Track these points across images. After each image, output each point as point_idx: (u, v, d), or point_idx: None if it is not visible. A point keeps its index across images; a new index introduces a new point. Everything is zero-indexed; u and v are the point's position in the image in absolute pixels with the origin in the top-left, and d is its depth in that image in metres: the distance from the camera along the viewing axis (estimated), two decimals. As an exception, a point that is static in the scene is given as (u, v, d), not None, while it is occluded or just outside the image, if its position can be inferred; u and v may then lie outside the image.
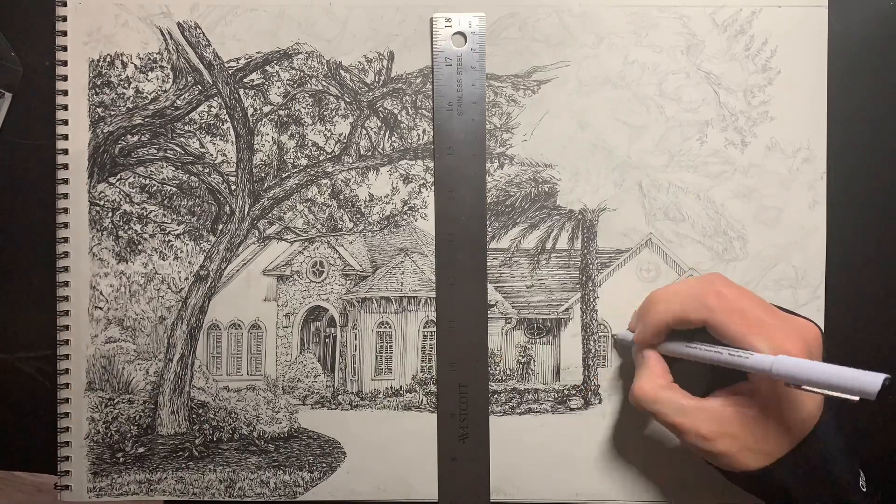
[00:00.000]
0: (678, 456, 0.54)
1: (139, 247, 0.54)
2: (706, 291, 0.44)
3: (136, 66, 0.54)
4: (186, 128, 0.54)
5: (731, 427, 0.43)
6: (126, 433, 0.54)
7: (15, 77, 0.54)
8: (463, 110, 0.53)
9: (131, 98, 0.54)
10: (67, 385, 0.54)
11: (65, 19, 0.53)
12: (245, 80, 0.54)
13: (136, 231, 0.54)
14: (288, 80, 0.54)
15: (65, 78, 0.53)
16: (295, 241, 0.55)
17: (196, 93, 0.54)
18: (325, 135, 0.54)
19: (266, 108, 0.54)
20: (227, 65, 0.54)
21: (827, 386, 0.38)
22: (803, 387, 0.39)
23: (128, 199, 0.54)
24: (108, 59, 0.54)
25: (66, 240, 0.54)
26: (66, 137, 0.54)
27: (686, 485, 0.54)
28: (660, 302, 0.46)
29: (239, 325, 0.55)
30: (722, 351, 0.43)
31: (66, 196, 0.54)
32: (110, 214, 0.54)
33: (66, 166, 0.54)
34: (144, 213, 0.54)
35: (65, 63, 0.53)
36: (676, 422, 0.44)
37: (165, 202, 0.54)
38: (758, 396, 0.43)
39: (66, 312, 0.54)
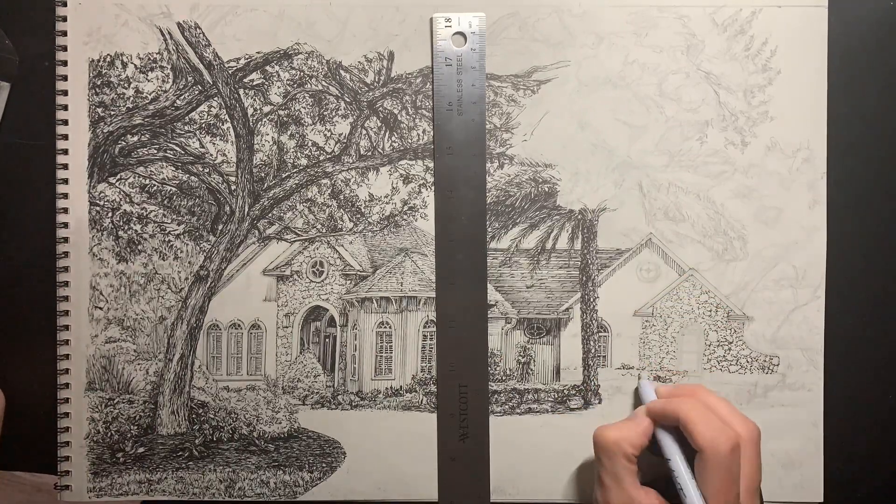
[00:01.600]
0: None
1: (139, 247, 0.54)
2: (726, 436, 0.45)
3: (136, 66, 0.54)
4: (186, 128, 0.54)
5: None
6: (126, 433, 0.54)
7: (12, 66, 0.54)
8: (463, 110, 0.53)
9: (131, 98, 0.54)
10: (67, 385, 0.54)
11: (65, 19, 0.53)
12: (245, 80, 0.54)
13: (136, 231, 0.54)
14: (288, 80, 0.54)
15: (65, 78, 0.53)
16: (295, 241, 0.55)
17: (196, 93, 0.54)
18: (325, 135, 0.54)
19: (266, 108, 0.54)
20: (227, 65, 0.54)
21: None
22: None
23: (128, 199, 0.54)
24: (108, 59, 0.54)
25: (66, 240, 0.54)
26: (66, 137, 0.54)
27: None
28: (698, 403, 0.47)
29: (239, 325, 0.55)
30: (679, 480, 0.45)
31: (66, 196, 0.54)
32: (110, 214, 0.54)
33: (66, 166, 0.54)
34: (144, 213, 0.54)
35: (65, 63, 0.53)
36: (605, 482, 0.47)
37: (165, 202, 0.54)
38: None
39: (66, 312, 0.54)
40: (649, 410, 0.48)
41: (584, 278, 0.54)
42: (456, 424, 0.54)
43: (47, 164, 0.54)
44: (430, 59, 0.54)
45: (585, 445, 0.54)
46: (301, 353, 0.55)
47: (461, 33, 0.53)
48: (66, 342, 0.54)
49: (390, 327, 0.55)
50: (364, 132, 0.54)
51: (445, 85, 0.53)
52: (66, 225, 0.54)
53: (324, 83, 0.54)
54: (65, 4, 0.53)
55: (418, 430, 0.54)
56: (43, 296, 0.54)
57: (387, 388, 0.55)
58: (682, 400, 0.47)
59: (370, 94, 0.54)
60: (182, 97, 0.54)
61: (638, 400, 0.53)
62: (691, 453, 0.45)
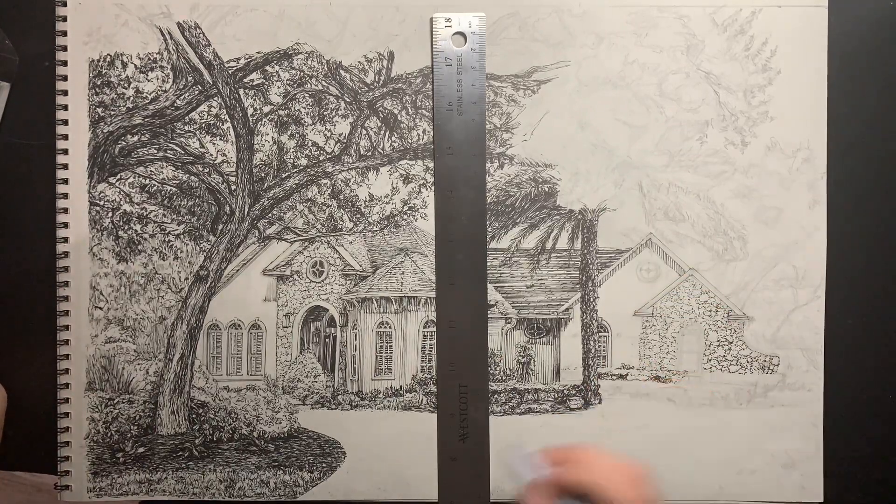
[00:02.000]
0: (677, 456, 0.54)
1: (139, 247, 0.54)
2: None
3: (136, 66, 0.54)
4: (186, 128, 0.54)
5: None
6: (126, 433, 0.54)
7: (12, 66, 0.54)
8: (463, 110, 0.53)
9: (131, 98, 0.54)
10: (67, 385, 0.54)
11: (65, 19, 0.53)
12: (245, 80, 0.54)
13: (136, 231, 0.54)
14: (288, 80, 0.54)
15: (65, 78, 0.53)
16: (295, 241, 0.55)
17: (196, 93, 0.54)
18: (325, 135, 0.54)
19: (266, 108, 0.54)
20: (227, 65, 0.54)
21: None
22: None
23: (128, 199, 0.54)
24: (108, 59, 0.54)
25: (66, 240, 0.54)
26: (66, 137, 0.54)
27: (685, 484, 0.54)
28: (600, 470, 0.44)
29: (239, 325, 0.55)
30: None
31: (66, 196, 0.54)
32: (110, 214, 0.54)
33: (66, 166, 0.54)
34: (144, 213, 0.54)
35: (65, 63, 0.53)
36: None
37: (165, 202, 0.54)
38: None
39: (66, 312, 0.54)
40: (545, 487, 0.44)
41: (584, 278, 0.54)
42: (456, 424, 0.54)
43: (47, 164, 0.54)
44: (430, 59, 0.54)
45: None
46: (301, 353, 0.55)
47: (461, 33, 0.53)
48: (66, 342, 0.54)
49: (390, 327, 0.55)
50: (364, 132, 0.54)
51: (445, 85, 0.53)
52: (66, 225, 0.54)
53: (324, 83, 0.54)
54: (65, 4, 0.53)
55: (418, 430, 0.54)
56: (43, 296, 0.54)
57: (387, 388, 0.55)
58: (584, 469, 0.44)
59: (370, 94, 0.54)
60: (182, 97, 0.54)
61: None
62: None
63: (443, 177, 0.53)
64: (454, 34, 0.53)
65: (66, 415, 0.54)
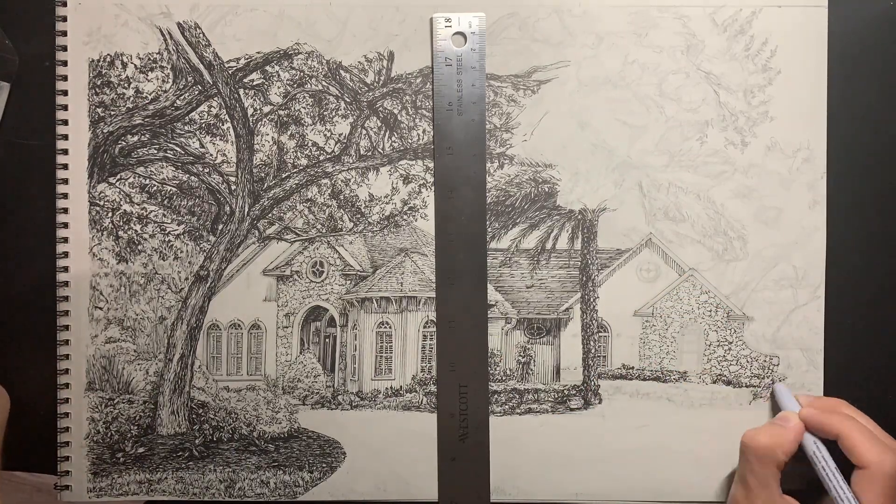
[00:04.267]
0: (678, 456, 0.54)
1: (139, 247, 0.54)
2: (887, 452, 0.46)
3: (136, 66, 0.54)
4: (186, 128, 0.54)
5: None
6: (126, 433, 0.54)
7: (12, 66, 0.54)
8: (463, 110, 0.53)
9: (131, 98, 0.54)
10: (67, 385, 0.54)
11: (65, 19, 0.53)
12: (245, 80, 0.54)
13: (136, 231, 0.54)
14: (288, 80, 0.54)
15: (65, 78, 0.53)
16: (295, 241, 0.55)
17: (196, 93, 0.54)
18: (325, 135, 0.54)
19: (266, 108, 0.54)
20: (227, 65, 0.54)
21: None
22: None
23: (128, 199, 0.54)
24: (108, 59, 0.54)
25: (66, 240, 0.54)
26: (66, 137, 0.54)
27: (685, 484, 0.54)
28: (850, 421, 0.47)
29: (239, 326, 0.55)
30: (838, 493, 0.46)
31: (66, 196, 0.54)
32: (110, 214, 0.54)
33: (66, 166, 0.54)
34: (144, 213, 0.54)
35: (65, 63, 0.53)
36: (750, 484, 0.47)
37: (165, 202, 0.54)
38: None
39: (66, 312, 0.54)
40: (804, 420, 0.49)
41: (584, 278, 0.54)
42: (456, 424, 0.54)
43: (47, 164, 0.54)
44: (430, 59, 0.54)
45: (586, 445, 0.54)
46: (301, 353, 0.55)
47: (461, 33, 0.53)
48: (66, 342, 0.54)
49: (390, 327, 0.55)
50: (364, 132, 0.54)
51: (445, 85, 0.53)
52: (66, 225, 0.54)
53: (324, 83, 0.54)
54: (65, 4, 0.53)
55: (418, 430, 0.54)
56: (43, 296, 0.54)
57: (387, 388, 0.55)
58: (842, 416, 0.47)
59: (370, 94, 0.54)
60: (182, 97, 0.54)
61: (775, 404, 0.53)
62: (843, 467, 0.46)
63: (443, 177, 0.53)
64: (454, 34, 0.53)
65: (66, 415, 0.54)
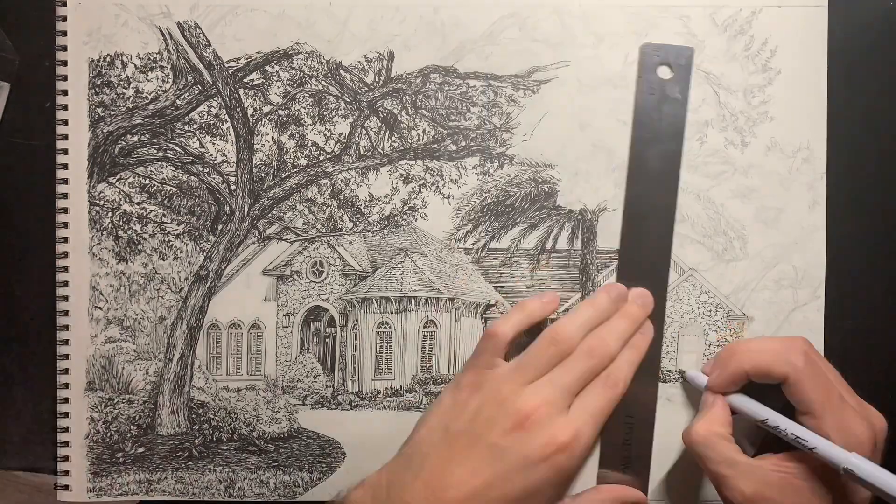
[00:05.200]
0: (677, 456, 0.53)
1: (139, 247, 0.54)
2: (794, 349, 0.45)
3: (136, 66, 0.54)
4: (186, 128, 0.54)
5: (774, 493, 0.43)
6: (126, 433, 0.54)
7: (12, 66, 0.54)
8: (661, 139, 0.52)
9: (131, 98, 0.54)
10: (67, 385, 0.54)
11: (65, 19, 0.53)
12: (245, 80, 0.54)
13: (135, 231, 0.54)
14: (288, 80, 0.54)
15: (65, 78, 0.53)
16: (295, 241, 0.55)
17: (196, 93, 0.54)
18: (325, 135, 0.54)
19: (266, 108, 0.54)
20: (227, 65, 0.54)
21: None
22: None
23: (128, 199, 0.54)
24: (108, 59, 0.54)
25: (66, 240, 0.54)
26: (66, 137, 0.54)
27: (686, 484, 0.54)
28: (743, 352, 0.46)
29: (239, 325, 0.55)
30: (787, 430, 0.43)
31: (65, 196, 0.54)
32: (110, 214, 0.54)
33: (66, 166, 0.54)
34: (144, 213, 0.54)
35: (65, 63, 0.53)
36: (721, 472, 0.44)
37: (165, 202, 0.54)
38: (810, 471, 0.43)
39: (66, 312, 0.54)
40: (712, 388, 0.48)
41: (584, 278, 0.54)
42: (456, 424, 0.53)
43: (47, 164, 0.54)
44: (635, 89, 0.53)
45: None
46: (301, 353, 0.55)
47: (667, 64, 0.52)
48: (66, 342, 0.54)
49: (390, 327, 0.55)
50: (364, 132, 0.54)
51: (646, 114, 0.52)
52: (66, 225, 0.54)
53: (324, 83, 0.54)
54: (65, 4, 0.53)
55: (418, 430, 0.54)
56: (43, 296, 0.54)
57: (387, 389, 0.55)
58: (735, 358, 0.46)
59: (370, 94, 0.54)
60: (182, 97, 0.54)
61: (694, 394, 0.52)
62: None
63: (630, 205, 0.53)
64: (660, 65, 0.53)
65: (66, 415, 0.54)
